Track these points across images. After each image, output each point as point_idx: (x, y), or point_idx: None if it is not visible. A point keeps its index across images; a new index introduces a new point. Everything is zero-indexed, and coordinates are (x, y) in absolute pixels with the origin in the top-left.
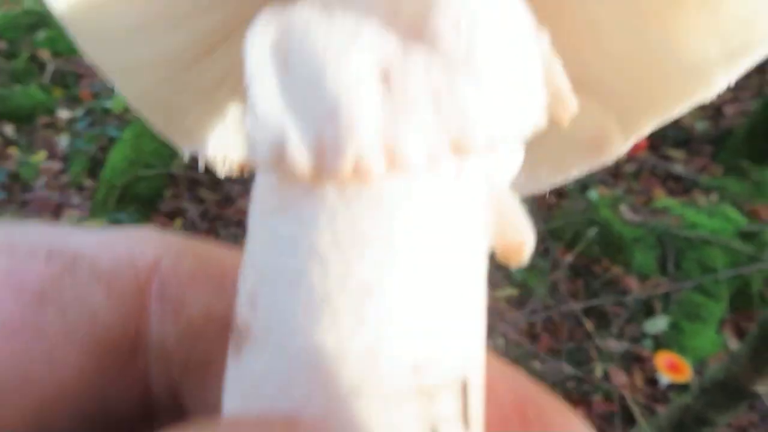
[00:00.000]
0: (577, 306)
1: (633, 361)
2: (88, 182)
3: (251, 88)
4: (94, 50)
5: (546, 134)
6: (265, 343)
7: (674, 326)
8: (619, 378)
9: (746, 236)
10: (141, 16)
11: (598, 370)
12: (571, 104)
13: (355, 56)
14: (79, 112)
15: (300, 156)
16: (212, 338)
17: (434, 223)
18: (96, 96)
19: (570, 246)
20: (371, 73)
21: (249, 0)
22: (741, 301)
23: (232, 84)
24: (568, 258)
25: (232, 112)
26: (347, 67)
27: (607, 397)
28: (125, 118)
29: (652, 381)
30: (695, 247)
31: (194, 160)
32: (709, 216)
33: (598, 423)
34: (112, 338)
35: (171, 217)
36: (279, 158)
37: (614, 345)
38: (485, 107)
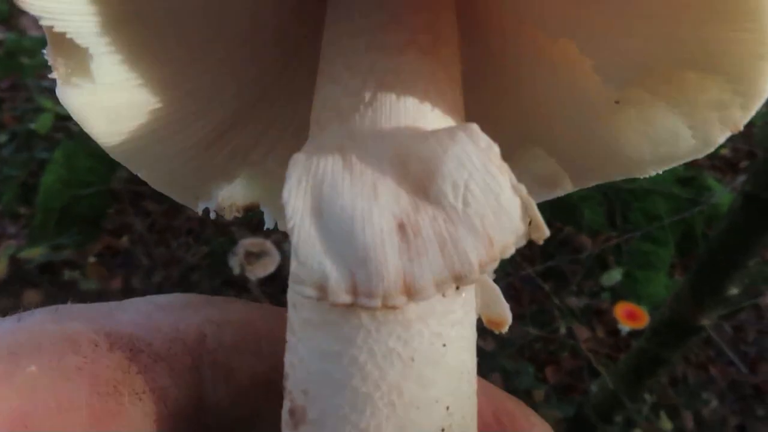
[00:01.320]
0: (535, 270)
1: (594, 315)
2: (22, 209)
3: (293, 234)
4: (123, 156)
5: (512, 169)
6: (321, 426)
7: (628, 276)
8: (583, 333)
9: (685, 182)
10: (164, 122)
11: (563, 329)
12: (544, 230)
13: (377, 213)
14: (2, 137)
15: (338, 293)
16: (258, 396)
17: (445, 330)
18: (19, 119)
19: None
20: (390, 226)
21: (247, 98)
22: (687, 244)
23: (240, 158)
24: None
25: (238, 174)
26: (371, 223)
27: (574, 353)
28: (53, 138)
29: (613, 332)
30: (639, 198)
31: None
32: None
33: (567, 380)
34: (181, 409)
35: (117, 234)
36: (321, 294)
37: (575, 302)
38: (479, 250)
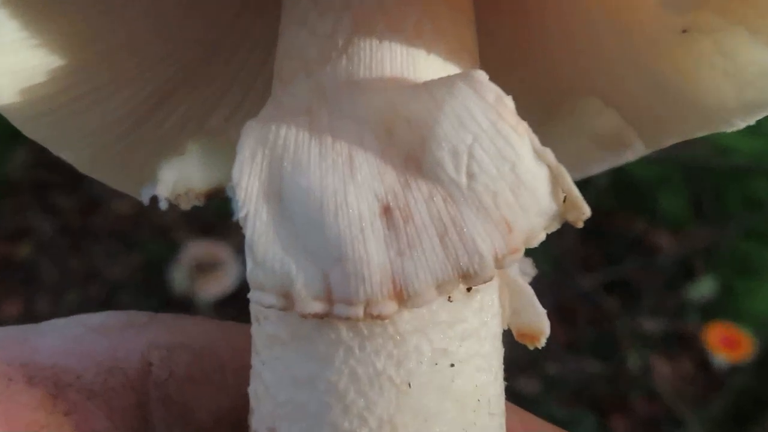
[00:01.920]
0: (594, 280)
1: (676, 342)
2: None
3: (246, 227)
4: (38, 133)
5: (566, 128)
6: None
7: (724, 288)
8: (662, 367)
9: None
10: (81, 88)
11: (634, 362)
12: (585, 210)
13: (354, 194)
14: None
15: (307, 301)
16: None
17: (453, 345)
18: None
19: None
20: (372, 209)
21: (191, 55)
22: None
23: (194, 126)
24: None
25: (193, 147)
26: (347, 205)
27: (650, 395)
28: None
29: (703, 365)
30: (735, 179)
31: (40, 156)
32: (749, 135)
33: (641, 431)
34: None
35: (14, 239)
36: (286, 302)
37: (650, 325)
38: (493, 238)
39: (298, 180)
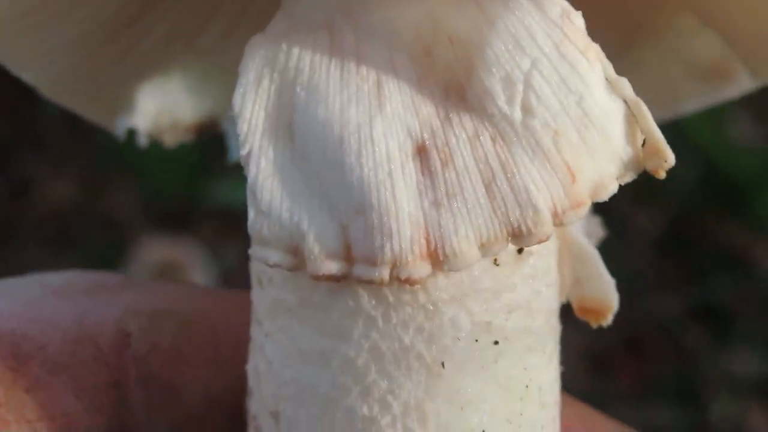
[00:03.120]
0: (674, 304)
1: None
2: None
3: (249, 167)
4: (4, 54)
5: (652, 55)
6: None
7: None
8: (755, 417)
9: None
10: None
11: (720, 409)
12: (668, 157)
13: (382, 127)
14: None
15: (321, 259)
16: (221, 426)
17: (499, 318)
18: None
19: (654, 201)
20: (403, 148)
21: None
22: None
23: (181, 43)
24: (653, 224)
25: (181, 69)
26: (372, 142)
27: None
28: None
29: None
30: None
31: None
32: None
33: None
34: None
35: None
36: (295, 261)
37: (744, 364)
38: (551, 185)
39: (314, 111)
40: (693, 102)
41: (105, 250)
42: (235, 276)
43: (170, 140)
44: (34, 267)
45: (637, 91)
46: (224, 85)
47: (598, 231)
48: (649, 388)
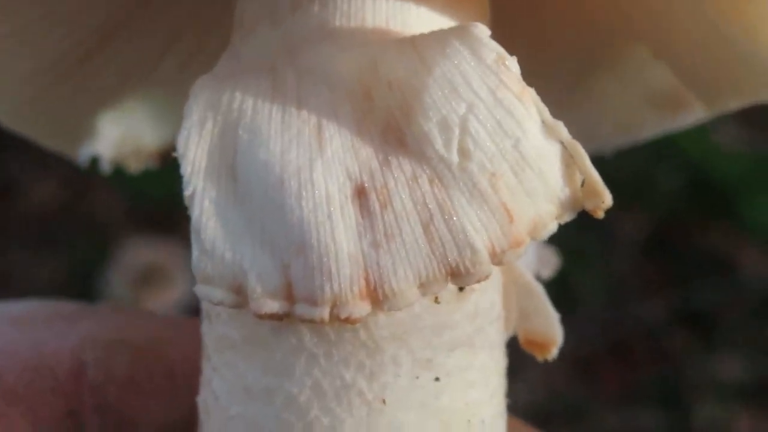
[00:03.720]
0: (658, 309)
1: (763, 394)
2: None
3: (193, 207)
4: None
5: (610, 82)
6: None
7: None
8: (742, 424)
9: None
10: (5, 26)
11: (705, 413)
12: (606, 197)
13: (322, 170)
14: None
15: (263, 298)
16: None
17: (439, 355)
18: None
19: (639, 205)
20: (343, 190)
21: None
22: None
23: (141, 73)
24: (638, 228)
25: (143, 97)
26: (312, 184)
27: None
28: None
29: None
30: None
31: None
32: None
33: None
34: None
35: None
36: (238, 299)
37: (729, 369)
38: (489, 226)
39: (256, 152)
40: (651, 127)
41: (88, 252)
42: None
43: (134, 166)
44: (18, 268)
45: (597, 116)
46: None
47: (553, 260)
48: (634, 393)
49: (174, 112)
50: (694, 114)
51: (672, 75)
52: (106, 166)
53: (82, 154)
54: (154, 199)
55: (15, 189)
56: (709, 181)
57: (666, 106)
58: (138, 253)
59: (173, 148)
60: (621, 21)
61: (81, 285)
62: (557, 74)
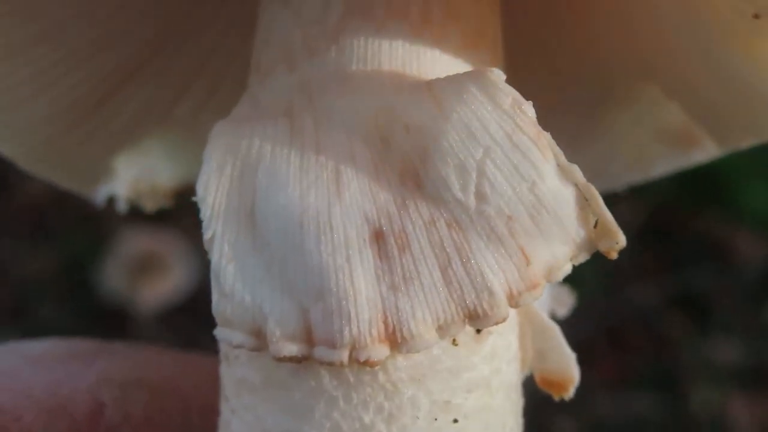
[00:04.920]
0: (653, 294)
1: (758, 376)
2: None
3: (212, 251)
4: None
5: (623, 118)
6: None
7: None
8: (737, 408)
9: None
10: (23, 72)
11: (700, 398)
12: (620, 238)
13: (340, 214)
14: None
15: (283, 341)
16: None
17: (458, 397)
18: None
19: (634, 191)
20: (361, 234)
21: (156, 32)
22: None
23: (157, 116)
24: (634, 214)
25: (158, 138)
26: (331, 229)
27: None
28: None
29: None
30: None
31: None
32: None
33: None
34: None
35: None
36: (257, 342)
37: (724, 353)
38: (506, 269)
39: (275, 196)
40: (663, 164)
41: (84, 243)
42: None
43: (150, 205)
44: (13, 260)
45: (608, 153)
46: (199, 152)
47: (567, 300)
48: (629, 378)
49: (189, 153)
50: (707, 152)
51: (684, 113)
52: (122, 206)
53: (99, 195)
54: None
55: (10, 179)
56: (704, 167)
57: (678, 143)
58: (133, 243)
59: (188, 186)
60: (634, 60)
61: (77, 276)
62: (570, 111)
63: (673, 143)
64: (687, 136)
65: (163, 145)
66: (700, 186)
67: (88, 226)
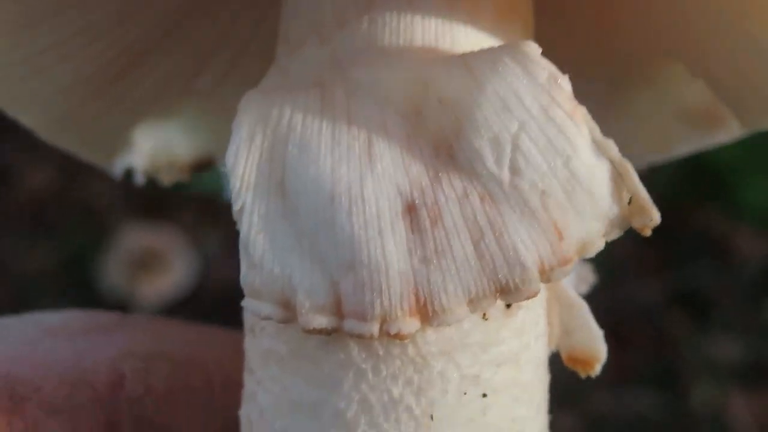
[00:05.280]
0: (654, 291)
1: (759, 373)
2: None
3: (241, 222)
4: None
5: (644, 98)
6: None
7: None
8: (737, 406)
9: None
10: (45, 40)
11: (701, 394)
12: (654, 215)
13: (372, 186)
14: None
15: (312, 313)
16: None
17: (487, 372)
18: None
19: None
20: (393, 206)
21: (174, 6)
22: None
23: (178, 87)
24: None
25: (178, 110)
26: (363, 200)
27: None
28: None
29: None
30: None
31: None
32: None
33: None
34: None
35: None
36: (286, 313)
37: (724, 350)
38: (539, 243)
39: (306, 168)
40: (685, 145)
41: (84, 238)
42: (216, 264)
43: (167, 179)
44: (13, 255)
45: (630, 133)
46: (220, 126)
47: (589, 277)
48: (630, 374)
49: (208, 127)
50: (730, 132)
51: (709, 92)
52: (139, 179)
53: (117, 166)
54: (150, 184)
55: (10, 175)
56: (704, 163)
57: (701, 123)
58: (134, 238)
59: (207, 161)
60: (657, 39)
61: (77, 271)
62: (591, 90)
63: (696, 123)
64: (712, 116)
65: (182, 118)
66: (700, 183)
67: (89, 222)
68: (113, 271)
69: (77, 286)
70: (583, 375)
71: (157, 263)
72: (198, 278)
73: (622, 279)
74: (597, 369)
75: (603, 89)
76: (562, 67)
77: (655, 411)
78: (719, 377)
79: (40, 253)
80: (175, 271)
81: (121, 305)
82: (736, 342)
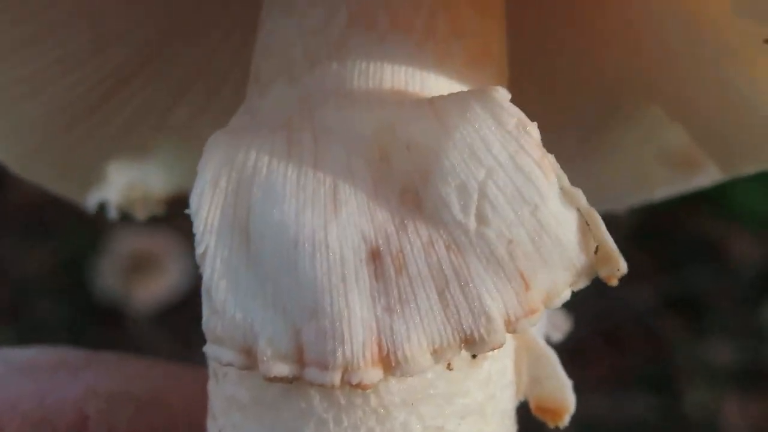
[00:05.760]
0: (648, 294)
1: (753, 377)
2: None
3: (204, 267)
4: None
5: (626, 138)
6: None
7: None
8: (732, 411)
9: None
10: (18, 71)
11: (695, 399)
12: (621, 265)
13: (336, 232)
14: None
15: (273, 361)
16: None
17: (451, 423)
18: None
19: None
20: (358, 253)
21: (155, 34)
22: None
23: (153, 122)
24: (628, 214)
25: (153, 144)
26: (327, 247)
27: None
28: None
29: None
30: None
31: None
32: None
33: None
34: None
35: None
36: (247, 361)
37: (719, 354)
38: (505, 293)
39: (270, 212)
40: (663, 188)
41: (79, 241)
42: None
43: (141, 213)
44: (9, 258)
45: (609, 174)
46: (194, 160)
47: (564, 325)
48: (624, 378)
49: (183, 161)
50: (709, 176)
51: (686, 136)
52: (113, 213)
53: (90, 201)
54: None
55: (5, 178)
56: None
57: (680, 166)
58: (129, 242)
59: (181, 195)
60: (637, 81)
61: (73, 274)
62: (571, 129)
63: (675, 166)
64: (689, 160)
65: (156, 152)
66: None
67: (85, 225)
68: (109, 273)
69: (74, 289)
70: (551, 425)
71: (153, 266)
72: (193, 281)
73: (620, 287)
74: (566, 420)
75: (584, 128)
76: (543, 109)
77: (650, 414)
78: (714, 381)
79: (36, 256)
80: (170, 274)
81: (116, 308)
82: (731, 346)
